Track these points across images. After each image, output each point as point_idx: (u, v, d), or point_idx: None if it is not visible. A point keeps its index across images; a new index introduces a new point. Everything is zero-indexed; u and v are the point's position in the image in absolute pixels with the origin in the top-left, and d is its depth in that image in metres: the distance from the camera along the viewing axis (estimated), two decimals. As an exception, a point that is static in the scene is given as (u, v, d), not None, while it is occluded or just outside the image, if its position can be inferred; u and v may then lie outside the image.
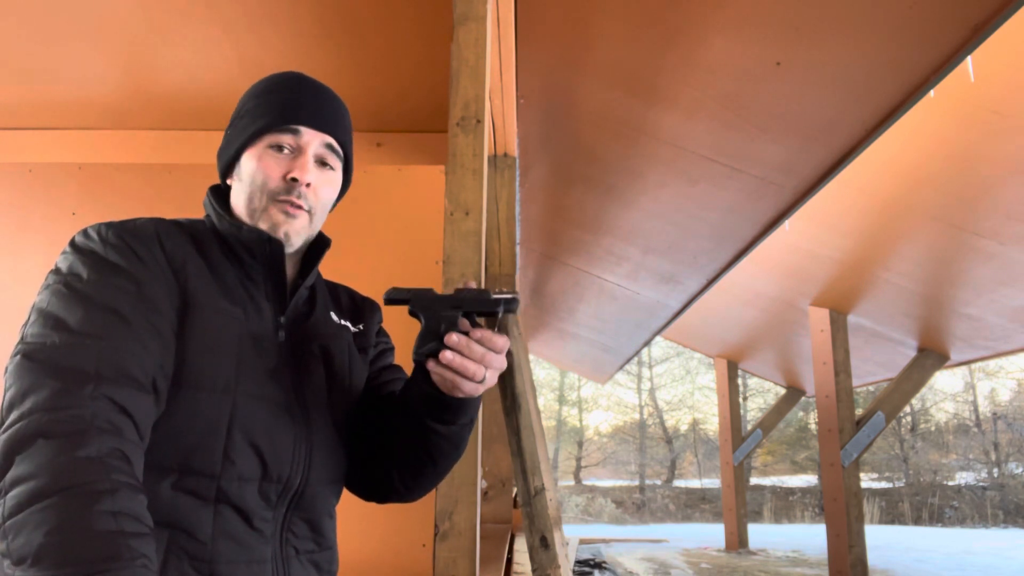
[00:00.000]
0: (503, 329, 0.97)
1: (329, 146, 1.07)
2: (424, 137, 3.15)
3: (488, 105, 1.80)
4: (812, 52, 3.09)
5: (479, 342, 0.94)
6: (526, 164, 4.65)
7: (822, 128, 3.53)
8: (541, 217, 5.88)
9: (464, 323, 0.95)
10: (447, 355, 0.93)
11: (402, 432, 1.05)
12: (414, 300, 0.97)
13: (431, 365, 0.95)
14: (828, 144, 3.63)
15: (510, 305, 0.96)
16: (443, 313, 0.95)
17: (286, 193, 1.02)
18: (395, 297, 0.98)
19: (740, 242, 5.10)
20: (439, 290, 1.02)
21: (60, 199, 2.65)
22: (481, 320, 0.98)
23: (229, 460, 0.91)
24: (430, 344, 0.94)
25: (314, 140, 1.05)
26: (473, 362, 0.94)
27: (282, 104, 1.05)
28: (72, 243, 0.94)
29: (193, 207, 1.14)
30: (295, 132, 1.04)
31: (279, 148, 1.04)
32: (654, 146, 4.14)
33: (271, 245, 1.02)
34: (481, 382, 0.96)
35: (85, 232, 0.95)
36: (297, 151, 1.04)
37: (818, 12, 2.87)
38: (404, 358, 1.24)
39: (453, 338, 0.93)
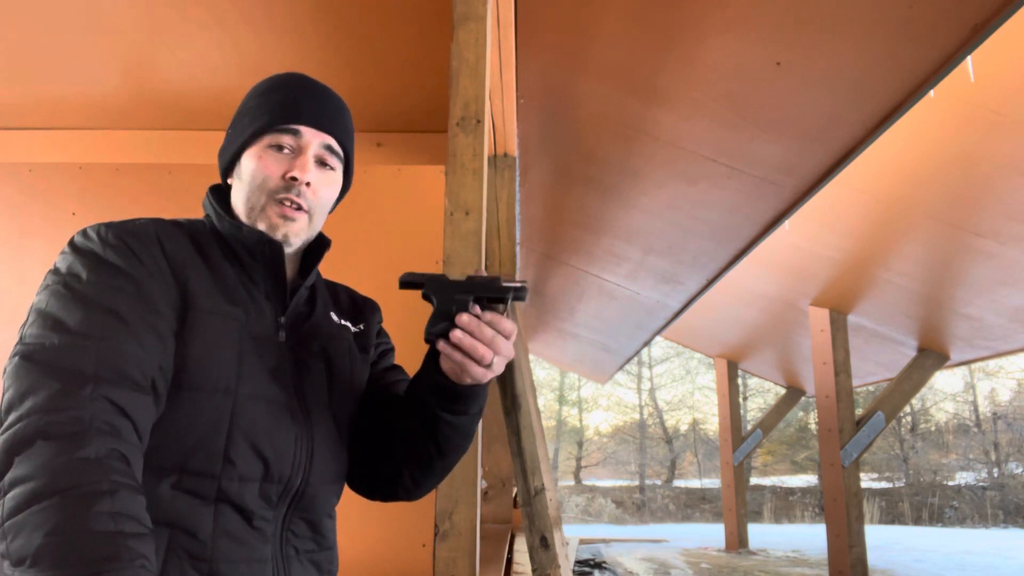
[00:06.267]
0: (511, 317, 0.99)
1: (329, 147, 1.07)
2: (424, 137, 3.15)
3: (488, 105, 1.80)
4: (812, 52, 3.09)
5: (489, 324, 0.96)
6: (526, 164, 4.64)
7: (822, 128, 3.53)
8: (541, 217, 5.88)
9: (475, 307, 0.98)
10: (457, 334, 0.95)
11: (411, 426, 1.06)
12: (428, 284, 1.00)
13: (441, 345, 0.97)
14: (828, 144, 3.63)
15: (519, 293, 0.99)
16: (455, 296, 0.98)
17: (285, 192, 1.02)
18: (409, 280, 1.01)
19: (740, 242, 5.09)
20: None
21: (60, 199, 2.65)
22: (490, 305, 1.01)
23: (229, 461, 0.91)
24: (441, 324, 0.97)
25: (314, 140, 1.05)
26: (483, 344, 0.96)
27: (283, 104, 1.05)
28: (71, 243, 0.94)
29: (193, 207, 1.14)
30: (295, 132, 1.04)
31: (279, 148, 1.04)
32: (654, 146, 4.14)
33: (271, 246, 1.02)
34: (489, 367, 0.97)
35: (84, 232, 0.94)
36: (297, 151, 1.04)
37: (818, 12, 2.86)
38: (405, 359, 1.24)
39: (464, 318, 0.95)
